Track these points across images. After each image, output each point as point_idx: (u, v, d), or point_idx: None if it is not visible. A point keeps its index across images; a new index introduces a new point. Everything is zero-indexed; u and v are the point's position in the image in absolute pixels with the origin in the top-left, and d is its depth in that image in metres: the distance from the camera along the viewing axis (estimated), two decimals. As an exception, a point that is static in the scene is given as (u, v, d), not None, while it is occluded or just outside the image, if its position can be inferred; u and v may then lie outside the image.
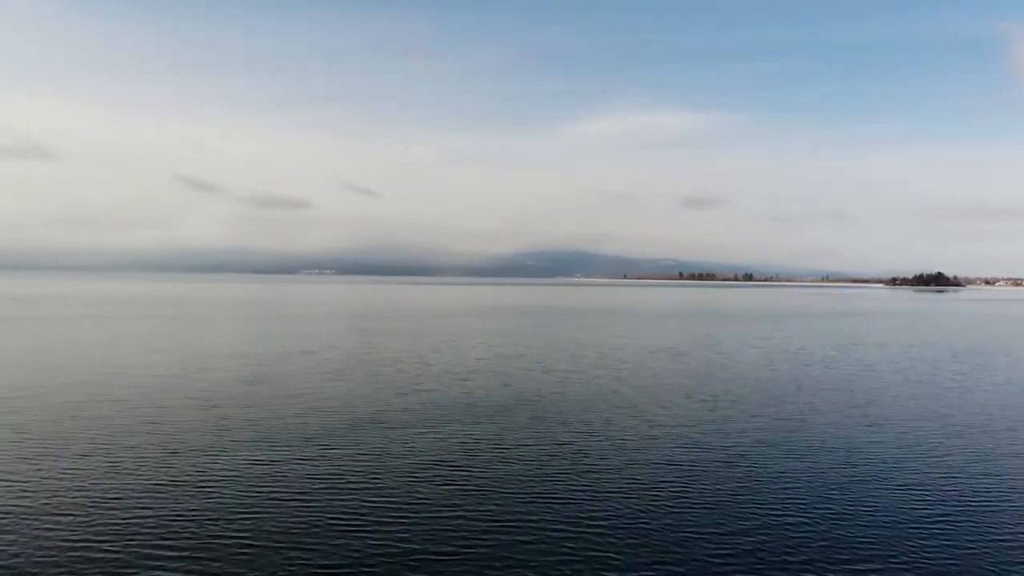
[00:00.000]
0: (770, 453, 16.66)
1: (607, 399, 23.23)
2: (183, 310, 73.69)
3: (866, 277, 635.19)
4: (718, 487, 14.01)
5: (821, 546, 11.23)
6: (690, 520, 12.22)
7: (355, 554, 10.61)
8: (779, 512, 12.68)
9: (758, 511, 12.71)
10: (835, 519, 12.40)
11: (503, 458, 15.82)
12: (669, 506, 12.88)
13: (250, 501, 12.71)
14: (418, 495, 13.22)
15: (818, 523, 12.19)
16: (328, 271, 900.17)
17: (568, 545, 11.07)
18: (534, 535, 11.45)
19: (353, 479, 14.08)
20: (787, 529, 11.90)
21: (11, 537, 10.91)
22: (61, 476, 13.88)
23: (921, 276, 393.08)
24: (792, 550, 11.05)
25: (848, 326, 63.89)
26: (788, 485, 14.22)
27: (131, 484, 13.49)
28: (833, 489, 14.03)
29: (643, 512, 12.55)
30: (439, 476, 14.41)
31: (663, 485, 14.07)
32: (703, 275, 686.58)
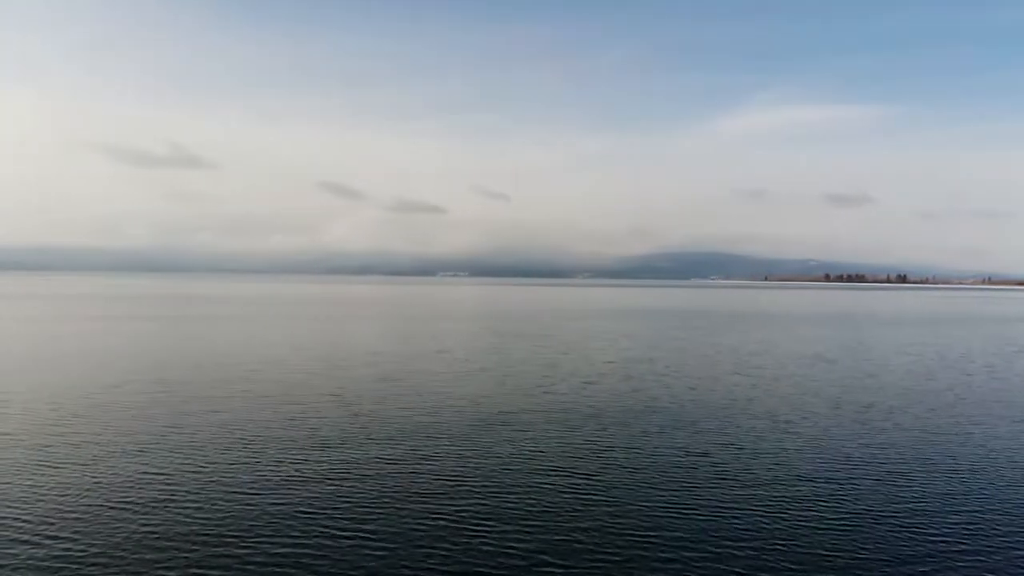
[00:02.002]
0: (927, 471, 15.29)
1: (744, 407, 22.23)
2: (329, 310, 77.73)
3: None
4: (868, 507, 12.99)
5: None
6: (834, 542, 11.39)
7: (477, 557, 10.66)
8: (938, 538, 11.59)
9: (913, 535, 11.67)
10: (1004, 547, 11.21)
11: (631, 465, 15.44)
12: (812, 525, 12.07)
13: (378, 497, 13.09)
14: (543, 500, 13.13)
15: (982, 551, 11.06)
16: (462, 273, 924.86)
17: (700, 561, 10.62)
18: (662, 547, 11.06)
19: (477, 481, 14.21)
20: (949, 557, 10.85)
21: (153, 524, 11.77)
22: (202, 466, 14.91)
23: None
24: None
25: (1013, 332, 58.13)
26: (947, 507, 12.98)
27: (267, 478, 14.27)
28: (998, 513, 12.69)
29: (783, 529, 11.84)
30: (564, 481, 14.26)
31: (805, 502, 13.22)
32: (851, 277, 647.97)
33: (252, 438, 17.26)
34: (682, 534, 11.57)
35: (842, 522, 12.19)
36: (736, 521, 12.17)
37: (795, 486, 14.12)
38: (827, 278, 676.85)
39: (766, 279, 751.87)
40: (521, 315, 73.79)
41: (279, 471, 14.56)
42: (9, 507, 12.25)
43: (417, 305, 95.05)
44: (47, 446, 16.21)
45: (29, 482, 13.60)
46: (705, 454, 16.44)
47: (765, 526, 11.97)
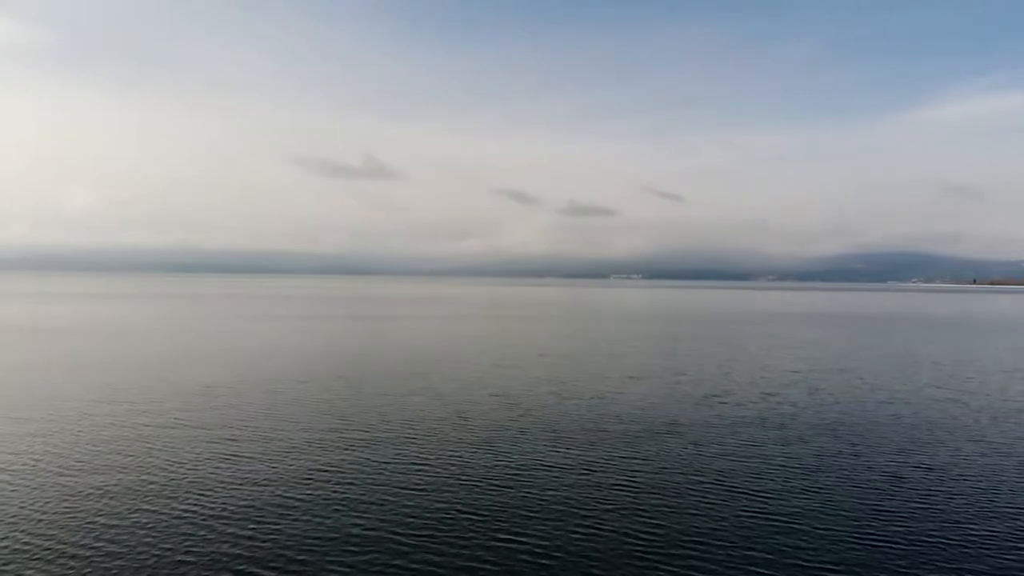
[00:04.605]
0: None
1: (945, 425, 20.10)
2: (510, 311, 79.98)
3: None
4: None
5: None
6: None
7: (638, 569, 10.44)
8: None
9: None
10: None
11: (814, 487, 14.37)
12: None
13: (539, 499, 13.16)
14: (711, 517, 12.59)
15: None
16: (635, 276, 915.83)
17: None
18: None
19: (640, 491, 13.89)
20: None
21: (323, 517, 12.55)
22: (372, 461, 15.77)
23: None
24: None
25: None
26: None
27: (436, 473, 14.81)
28: None
29: (990, 566, 10.60)
30: (734, 499, 13.57)
31: (1019, 537, 11.76)
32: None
33: (423, 435, 18.09)
34: (872, 566, 10.67)
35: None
36: (933, 556, 11.02)
37: (1005, 518, 12.57)
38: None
39: (974, 282, 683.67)
40: (696, 319, 71.64)
41: (446, 469, 15.10)
42: (196, 493, 13.68)
43: (591, 307, 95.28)
44: (230, 438, 17.93)
45: (214, 470, 15.13)
46: (898, 477, 15.03)
47: (969, 562, 10.78)
